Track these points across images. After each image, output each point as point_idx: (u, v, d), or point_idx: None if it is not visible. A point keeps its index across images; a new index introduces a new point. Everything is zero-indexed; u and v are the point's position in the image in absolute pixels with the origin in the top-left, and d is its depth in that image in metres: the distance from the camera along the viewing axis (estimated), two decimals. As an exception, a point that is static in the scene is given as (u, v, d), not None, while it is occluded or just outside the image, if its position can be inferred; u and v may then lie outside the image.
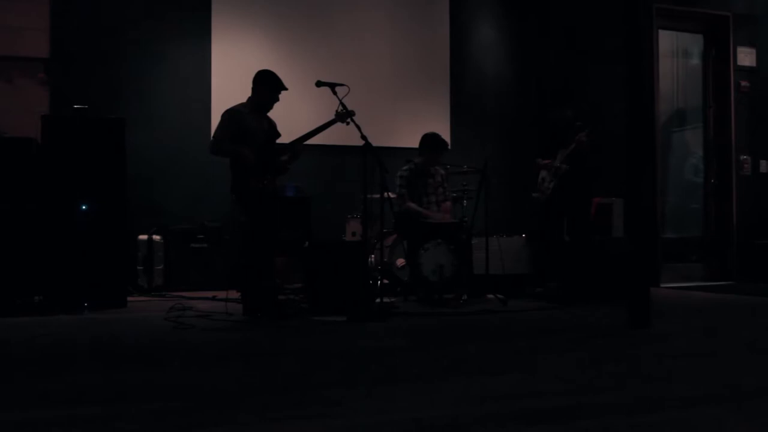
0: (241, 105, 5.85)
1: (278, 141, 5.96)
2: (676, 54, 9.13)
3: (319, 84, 5.81)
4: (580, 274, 6.57)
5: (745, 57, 8.87)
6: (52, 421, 2.73)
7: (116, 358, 4.20)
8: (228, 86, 8.00)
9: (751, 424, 2.74)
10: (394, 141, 8.25)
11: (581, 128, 6.72)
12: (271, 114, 5.95)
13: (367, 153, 5.74)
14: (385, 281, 6.84)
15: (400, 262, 6.97)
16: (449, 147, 7.31)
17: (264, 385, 3.43)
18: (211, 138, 5.92)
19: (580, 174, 6.74)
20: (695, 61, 9.16)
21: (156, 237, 7.64)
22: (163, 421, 2.75)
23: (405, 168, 7.15)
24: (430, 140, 7.08)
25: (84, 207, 6.22)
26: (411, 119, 8.65)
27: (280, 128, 5.97)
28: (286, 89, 5.84)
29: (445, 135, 8.92)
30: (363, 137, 5.70)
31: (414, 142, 7.28)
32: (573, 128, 6.74)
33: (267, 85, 5.83)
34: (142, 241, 7.59)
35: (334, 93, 5.78)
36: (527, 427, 2.67)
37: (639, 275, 5.05)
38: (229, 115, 5.76)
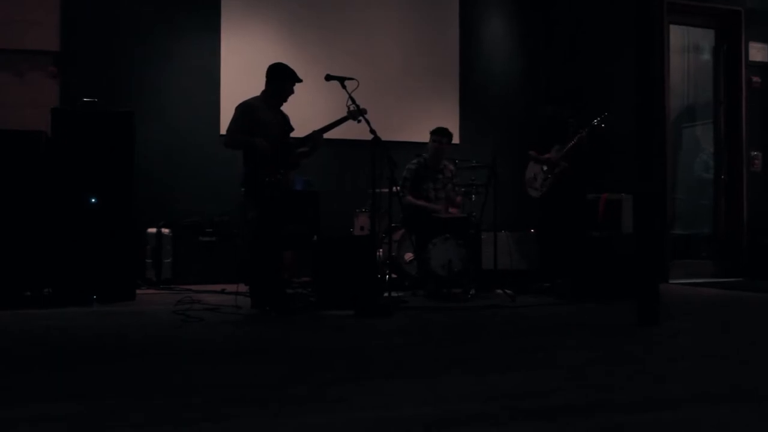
0: (255, 99, 5.87)
1: (291, 135, 5.99)
2: (687, 49, 9.08)
3: (328, 78, 5.82)
4: (588, 270, 6.56)
5: (757, 52, 8.81)
6: (55, 416, 2.74)
7: (123, 351, 4.21)
8: (237, 81, 8.02)
9: (760, 424, 2.73)
10: (404, 136, 8.24)
11: (580, 126, 6.76)
12: (281, 108, 5.97)
13: (376, 147, 5.75)
14: (394, 276, 6.83)
15: (409, 256, 6.97)
16: (453, 138, 7.31)
17: (268, 379, 3.43)
18: (225, 132, 5.93)
19: (578, 171, 6.78)
20: (706, 56, 9.11)
21: (165, 230, 7.67)
22: (167, 415, 2.76)
23: (414, 162, 7.19)
24: (435, 129, 7.14)
25: (93, 200, 6.24)
26: (420, 114, 8.64)
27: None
28: (300, 81, 5.85)
29: (454, 130, 8.91)
30: (372, 132, 5.70)
31: (423, 137, 7.29)
32: (567, 125, 6.79)
33: (280, 78, 5.85)
34: (151, 234, 7.62)
35: (344, 87, 5.78)
36: (530, 424, 2.67)
37: (648, 271, 5.02)
38: (243, 108, 5.78)
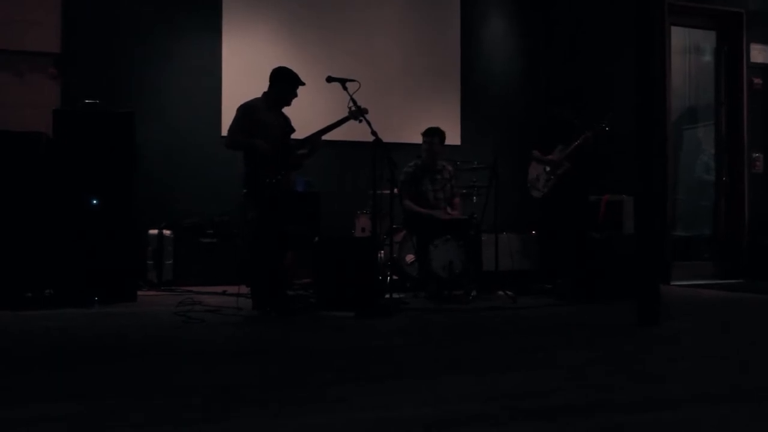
0: (256, 100, 5.88)
1: (292, 136, 6.00)
2: (688, 50, 9.07)
3: (329, 79, 5.81)
4: (589, 271, 6.55)
5: (758, 54, 8.80)
6: (55, 416, 2.74)
7: (124, 351, 4.21)
8: (238, 82, 8.03)
9: (760, 424, 2.73)
10: (404, 136, 8.22)
11: (585, 127, 6.76)
12: (282, 109, 5.98)
13: (377, 148, 5.75)
14: (395, 277, 6.83)
15: (410, 258, 6.97)
16: (445, 136, 7.26)
17: (268, 380, 3.43)
18: (226, 132, 5.94)
19: (580, 172, 6.79)
20: (707, 57, 9.10)
21: (166, 232, 7.67)
22: (167, 415, 2.76)
23: (411, 164, 7.17)
24: (425, 130, 7.15)
25: (95, 201, 6.24)
26: (421, 115, 8.61)
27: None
28: (303, 84, 5.87)
29: (455, 131, 8.97)
30: (373, 133, 5.69)
31: (423, 138, 7.28)
32: (572, 126, 6.80)
33: (285, 82, 5.86)
34: (153, 235, 7.62)
35: (345, 89, 5.78)
36: (530, 424, 2.67)
37: (648, 272, 5.02)
38: (244, 109, 5.79)
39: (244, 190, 5.81)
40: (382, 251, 6.75)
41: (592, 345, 4.47)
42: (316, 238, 6.29)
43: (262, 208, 5.71)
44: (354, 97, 5.76)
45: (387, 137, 6.02)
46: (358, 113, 5.79)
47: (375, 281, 6.06)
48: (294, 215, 6.17)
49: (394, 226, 6.71)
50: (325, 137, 5.98)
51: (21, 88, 7.66)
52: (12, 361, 3.92)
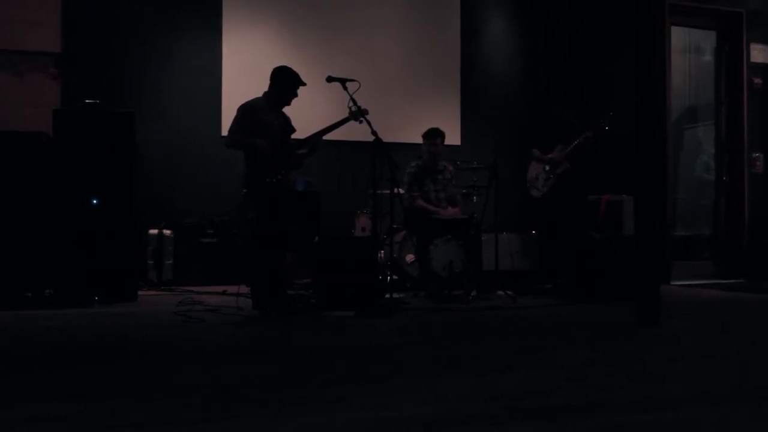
0: (257, 99, 5.88)
1: (292, 136, 6.00)
2: (688, 50, 9.07)
3: (329, 79, 5.81)
4: (589, 271, 6.55)
5: (759, 54, 8.80)
6: (55, 416, 2.74)
7: (123, 351, 4.21)
8: (238, 82, 8.03)
9: (760, 424, 2.73)
10: (404, 136, 8.22)
11: (585, 127, 6.77)
12: (282, 109, 5.98)
13: (377, 148, 5.74)
14: (395, 277, 6.83)
15: (410, 257, 6.97)
16: (445, 136, 7.26)
17: (268, 380, 3.43)
18: (227, 132, 5.93)
19: (580, 172, 6.79)
20: (708, 57, 9.10)
21: (166, 231, 7.67)
22: (167, 415, 2.76)
23: (413, 165, 7.18)
24: (426, 132, 7.15)
25: (95, 201, 6.24)
26: (421, 114, 8.62)
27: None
28: (304, 84, 5.87)
29: (455, 131, 8.97)
30: (373, 133, 5.69)
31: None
32: (572, 125, 6.82)
33: (286, 81, 5.86)
34: (153, 235, 7.62)
35: (345, 89, 5.78)
36: (530, 424, 2.66)
37: (648, 272, 5.02)
38: (244, 109, 5.79)
39: (244, 190, 5.82)
40: (382, 251, 6.75)
41: (592, 345, 4.46)
42: (316, 238, 6.28)
43: (262, 208, 5.71)
44: (354, 97, 5.76)
45: (387, 137, 6.01)
46: (358, 114, 5.79)
47: (375, 281, 6.06)
48: (294, 215, 6.17)
49: (394, 226, 6.71)
50: (326, 136, 5.99)
51: (21, 88, 7.66)
52: (12, 361, 3.92)
